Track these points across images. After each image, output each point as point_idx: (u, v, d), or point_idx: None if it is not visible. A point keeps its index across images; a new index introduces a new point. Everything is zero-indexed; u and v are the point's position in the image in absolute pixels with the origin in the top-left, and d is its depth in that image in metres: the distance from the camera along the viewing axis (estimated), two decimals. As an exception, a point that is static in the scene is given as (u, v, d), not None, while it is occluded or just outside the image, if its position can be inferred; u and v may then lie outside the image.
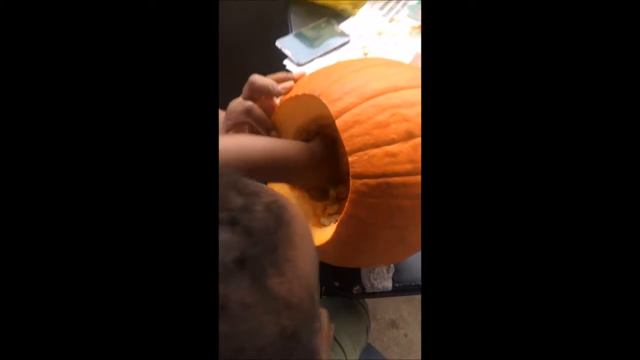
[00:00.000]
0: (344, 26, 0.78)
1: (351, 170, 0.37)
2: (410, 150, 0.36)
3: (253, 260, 0.24)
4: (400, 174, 0.36)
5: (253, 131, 0.48)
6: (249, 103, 0.45)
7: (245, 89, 0.47)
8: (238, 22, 0.92)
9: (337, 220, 0.41)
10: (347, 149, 0.36)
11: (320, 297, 0.45)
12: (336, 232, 0.40)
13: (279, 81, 0.46)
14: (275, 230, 0.26)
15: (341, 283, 0.55)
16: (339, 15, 0.80)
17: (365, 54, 0.75)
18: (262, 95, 0.46)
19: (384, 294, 0.56)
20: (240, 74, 0.53)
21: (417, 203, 0.37)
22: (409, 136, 0.36)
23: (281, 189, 0.51)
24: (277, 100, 0.49)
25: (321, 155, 0.47)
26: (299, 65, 0.74)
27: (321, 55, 0.75)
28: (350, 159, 0.36)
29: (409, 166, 0.36)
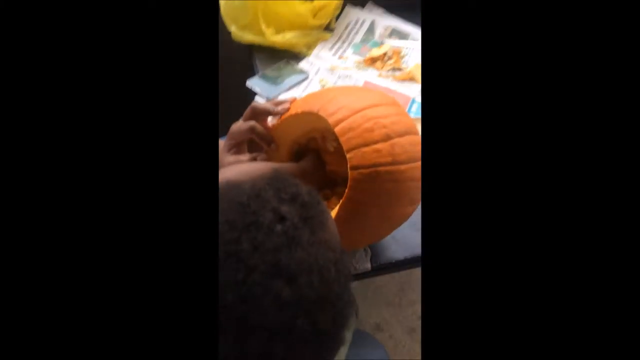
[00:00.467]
0: (302, 64, 0.93)
1: (349, 163, 0.50)
2: (390, 148, 0.50)
3: (310, 219, 0.35)
4: (384, 165, 0.50)
5: (253, 148, 0.60)
6: (252, 122, 0.57)
7: (246, 113, 0.59)
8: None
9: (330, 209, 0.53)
10: (345, 148, 0.50)
11: None
12: (337, 214, 0.52)
13: (275, 105, 0.59)
14: (318, 202, 0.37)
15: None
16: (297, 57, 0.95)
17: (323, 86, 0.90)
18: (263, 116, 0.58)
19: (365, 274, 0.68)
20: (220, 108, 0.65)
21: (397, 186, 0.51)
22: (388, 138, 0.50)
23: None
24: (270, 121, 0.61)
25: (310, 170, 0.60)
26: (268, 100, 0.87)
27: (286, 90, 0.89)
28: (348, 155, 0.50)
29: (389, 159, 0.50)
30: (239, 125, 0.59)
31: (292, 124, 0.58)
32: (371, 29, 1.01)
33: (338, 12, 1.00)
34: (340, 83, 0.90)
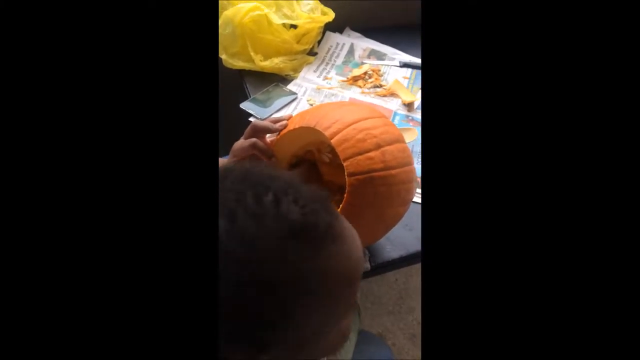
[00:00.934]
0: (290, 86, 1.00)
1: (347, 171, 0.56)
2: (381, 155, 0.57)
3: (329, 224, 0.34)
4: (377, 170, 0.56)
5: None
6: (254, 139, 0.63)
7: (247, 132, 0.65)
8: None
9: None
10: (342, 157, 0.56)
11: None
12: (339, 218, 0.58)
13: (274, 123, 0.65)
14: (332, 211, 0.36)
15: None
16: (285, 79, 1.02)
17: (311, 105, 0.97)
18: (263, 133, 0.64)
19: (365, 274, 0.74)
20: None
21: (389, 189, 0.57)
22: (379, 146, 0.57)
23: None
24: (268, 137, 0.67)
25: (305, 178, 0.66)
26: (262, 119, 0.93)
27: (277, 111, 0.95)
28: (345, 164, 0.56)
29: (381, 165, 0.57)
30: (241, 142, 0.65)
31: (291, 138, 0.64)
32: (351, 51, 1.09)
33: (320, 37, 1.08)
34: (327, 101, 0.97)
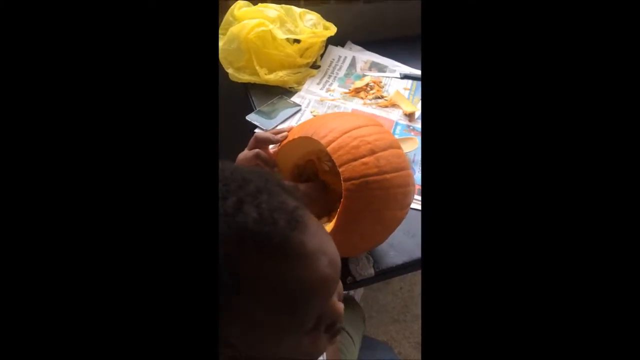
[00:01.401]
0: (294, 98, 1.03)
1: (342, 176, 0.58)
2: (375, 160, 0.59)
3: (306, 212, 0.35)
4: (372, 175, 0.58)
5: None
6: (257, 150, 0.66)
7: (250, 143, 0.68)
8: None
9: (330, 221, 0.61)
10: (337, 163, 0.58)
11: None
12: (336, 223, 0.60)
13: (275, 134, 0.68)
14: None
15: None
16: (289, 92, 1.05)
17: (315, 116, 1.00)
18: (265, 144, 0.67)
19: (370, 280, 0.75)
20: (222, 140, 0.74)
21: (385, 192, 0.59)
22: (373, 152, 0.59)
23: None
24: (271, 148, 0.70)
25: (311, 193, 0.68)
26: (267, 131, 0.96)
27: (282, 122, 0.98)
28: (340, 169, 0.58)
29: (376, 170, 0.59)
30: (245, 153, 0.68)
31: (291, 148, 0.67)
32: (353, 64, 1.12)
33: (322, 51, 1.11)
34: (330, 112, 1.00)
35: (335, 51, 1.14)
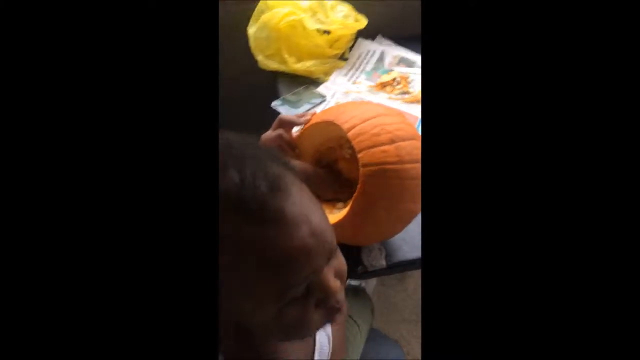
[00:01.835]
0: (320, 89, 1.04)
1: (360, 162, 0.58)
2: (395, 149, 0.59)
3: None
4: (390, 163, 0.58)
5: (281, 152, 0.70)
6: (280, 130, 0.67)
7: (274, 124, 0.69)
8: (242, 89, 1.18)
9: (345, 207, 0.62)
10: (356, 149, 0.58)
11: None
12: (350, 207, 0.60)
13: (299, 117, 0.69)
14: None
15: (347, 265, 0.74)
16: (315, 82, 1.06)
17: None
18: (288, 126, 0.68)
19: (381, 271, 0.75)
20: (247, 125, 0.75)
21: (402, 182, 0.59)
22: (392, 141, 0.59)
23: None
24: (294, 131, 0.71)
25: (326, 178, 0.69)
26: (290, 118, 0.97)
27: (306, 112, 0.99)
28: (359, 155, 0.58)
29: (395, 159, 0.59)
30: (268, 134, 0.69)
31: (313, 132, 0.67)
32: (381, 58, 1.12)
33: (351, 43, 1.11)
34: (354, 105, 1.00)
35: (365, 44, 1.14)
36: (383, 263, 0.75)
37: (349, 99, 1.02)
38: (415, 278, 1.43)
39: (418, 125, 0.96)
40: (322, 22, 1.02)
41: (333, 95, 1.03)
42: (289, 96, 1.02)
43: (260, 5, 1.03)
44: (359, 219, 0.61)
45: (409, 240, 0.77)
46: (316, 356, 0.47)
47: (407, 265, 0.76)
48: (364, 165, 0.58)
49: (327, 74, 1.07)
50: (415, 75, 1.08)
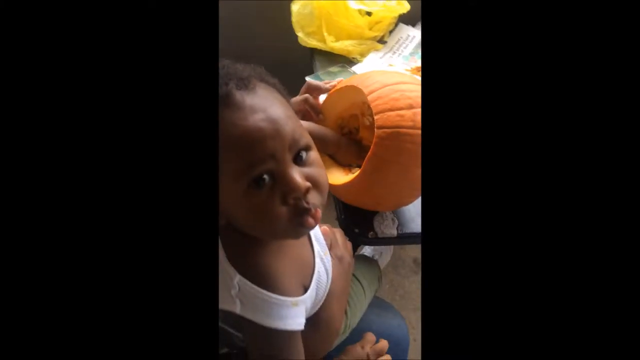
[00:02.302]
0: (354, 68, 1.07)
1: (376, 124, 0.61)
2: (412, 115, 0.61)
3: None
4: (405, 127, 0.61)
5: (306, 117, 0.74)
6: (306, 95, 0.71)
7: (302, 89, 0.73)
8: (279, 64, 1.23)
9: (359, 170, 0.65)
10: (374, 112, 0.61)
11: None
12: (363, 168, 0.63)
13: (325, 84, 0.73)
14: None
15: (359, 229, 0.76)
16: (351, 62, 1.09)
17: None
18: (314, 92, 0.72)
19: (391, 240, 0.77)
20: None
21: (415, 147, 0.61)
22: (410, 107, 0.62)
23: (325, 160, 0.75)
24: (321, 99, 0.75)
25: (341, 142, 0.72)
26: (323, 93, 1.01)
27: (339, 87, 1.02)
28: (376, 117, 0.61)
29: (411, 123, 0.61)
30: (296, 98, 0.73)
31: (337, 98, 0.71)
32: (420, 45, 1.13)
33: (392, 27, 1.13)
34: (386, 85, 1.02)
35: (405, 29, 1.16)
36: (394, 232, 0.77)
37: (382, 79, 1.04)
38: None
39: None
40: (364, 3, 1.05)
41: (367, 75, 1.05)
42: (323, 73, 1.06)
43: (305, -16, 1.07)
44: (369, 180, 0.64)
45: (424, 215, 0.79)
46: (313, 283, 0.50)
47: (417, 237, 0.78)
48: (379, 127, 0.61)
49: (364, 55, 1.10)
50: (451, 62, 1.08)
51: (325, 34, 1.06)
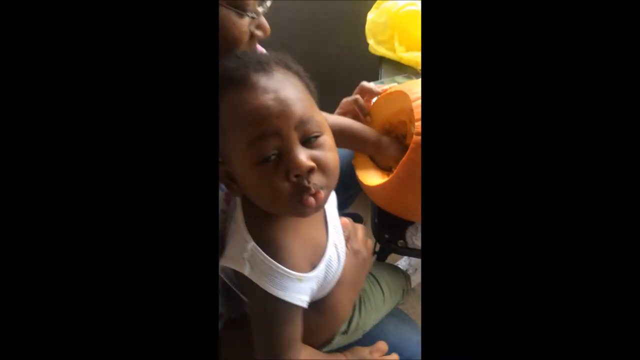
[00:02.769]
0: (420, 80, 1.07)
1: (415, 130, 0.61)
2: (454, 126, 0.60)
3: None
4: (445, 138, 0.60)
5: (355, 118, 0.76)
6: (357, 96, 0.73)
7: (355, 90, 0.75)
8: (346, 69, 1.27)
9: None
10: (415, 117, 0.62)
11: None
12: (397, 171, 0.63)
13: (378, 87, 0.74)
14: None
15: (390, 235, 0.76)
16: (417, 73, 1.09)
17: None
18: (366, 94, 0.74)
19: (418, 253, 0.76)
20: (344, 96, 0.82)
21: (453, 160, 0.61)
22: (454, 119, 0.61)
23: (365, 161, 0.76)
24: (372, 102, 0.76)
25: (382, 144, 0.72)
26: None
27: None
28: (416, 123, 0.61)
29: (451, 135, 0.60)
30: (347, 98, 0.75)
31: (385, 102, 0.72)
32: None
33: (466, 44, 1.11)
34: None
35: (480, 48, 1.13)
36: (417, 243, 0.75)
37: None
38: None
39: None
40: (439, 17, 1.05)
41: (431, 89, 1.04)
42: (387, 81, 1.07)
43: (383, -3, 1.10)
44: (402, 185, 0.64)
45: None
46: (322, 265, 0.51)
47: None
48: (418, 134, 0.61)
49: (432, 68, 1.09)
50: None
51: (397, 43, 1.07)
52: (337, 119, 0.71)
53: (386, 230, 0.77)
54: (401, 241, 0.76)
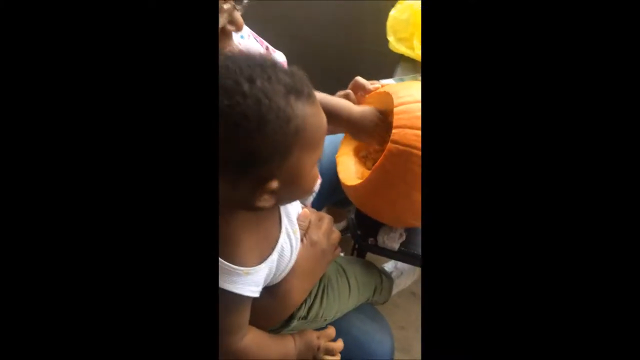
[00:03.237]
0: (434, 83, 1.06)
1: (392, 137, 0.62)
2: (430, 139, 0.61)
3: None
4: (418, 149, 0.61)
5: None
6: (349, 90, 0.74)
7: (350, 85, 0.77)
8: (365, 65, 1.27)
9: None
10: (394, 125, 0.63)
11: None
12: (369, 176, 0.65)
13: (371, 83, 0.75)
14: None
15: (362, 232, 0.78)
16: (433, 76, 1.08)
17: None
18: (359, 90, 0.75)
19: (389, 253, 0.78)
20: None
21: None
22: (432, 131, 0.62)
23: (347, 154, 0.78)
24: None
25: (366, 117, 0.71)
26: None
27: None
28: (393, 130, 0.62)
29: (425, 147, 0.61)
30: (340, 92, 0.77)
31: (374, 100, 0.73)
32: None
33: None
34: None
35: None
36: (395, 246, 0.77)
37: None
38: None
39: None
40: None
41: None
42: (397, 79, 1.07)
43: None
44: (373, 188, 0.65)
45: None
46: (272, 256, 0.54)
47: (418, 259, 0.77)
48: (393, 142, 0.62)
49: (449, 72, 1.07)
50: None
51: (416, 41, 1.06)
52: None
53: (360, 228, 0.79)
54: (372, 239, 0.78)
